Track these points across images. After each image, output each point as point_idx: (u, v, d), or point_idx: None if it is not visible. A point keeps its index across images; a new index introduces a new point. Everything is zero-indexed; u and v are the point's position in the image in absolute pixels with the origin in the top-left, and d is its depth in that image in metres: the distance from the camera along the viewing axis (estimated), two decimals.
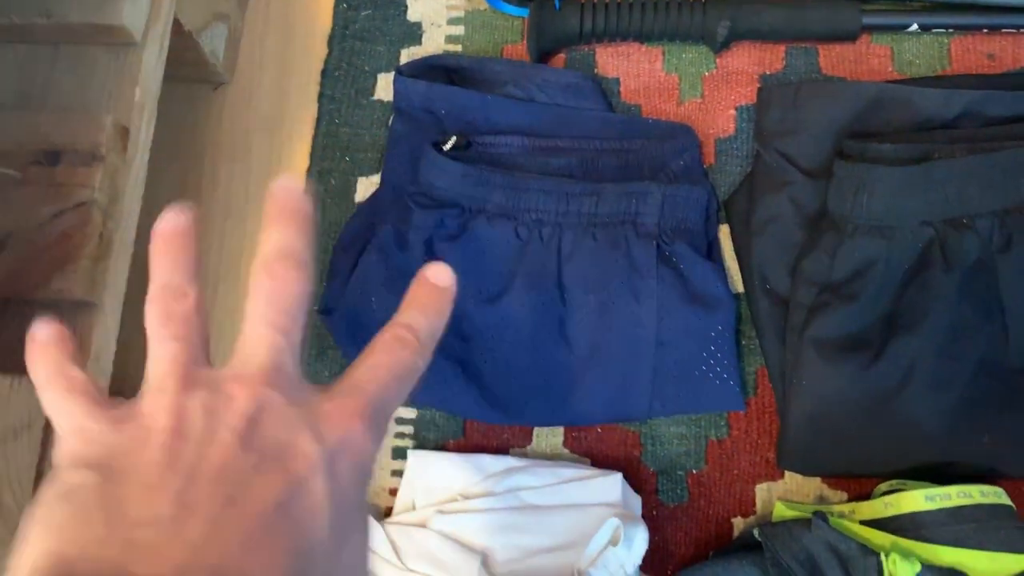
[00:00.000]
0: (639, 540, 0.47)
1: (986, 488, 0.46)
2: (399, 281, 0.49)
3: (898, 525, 0.46)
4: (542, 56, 0.57)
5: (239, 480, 0.22)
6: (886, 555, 0.43)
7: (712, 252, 0.52)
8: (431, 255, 0.51)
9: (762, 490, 0.51)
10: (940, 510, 0.45)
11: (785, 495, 0.51)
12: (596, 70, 0.57)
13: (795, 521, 0.46)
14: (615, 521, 0.47)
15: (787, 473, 0.51)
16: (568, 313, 0.51)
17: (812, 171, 0.51)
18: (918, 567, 0.43)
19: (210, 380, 0.25)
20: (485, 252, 0.51)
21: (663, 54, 0.57)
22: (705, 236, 0.51)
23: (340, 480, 0.24)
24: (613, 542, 0.47)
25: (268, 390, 0.24)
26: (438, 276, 0.30)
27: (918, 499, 0.45)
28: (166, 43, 0.50)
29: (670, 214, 0.50)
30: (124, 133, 0.47)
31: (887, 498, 0.46)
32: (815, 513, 0.45)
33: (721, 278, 0.50)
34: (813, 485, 0.51)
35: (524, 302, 0.51)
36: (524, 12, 0.57)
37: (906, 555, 0.43)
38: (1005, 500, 0.46)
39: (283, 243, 0.27)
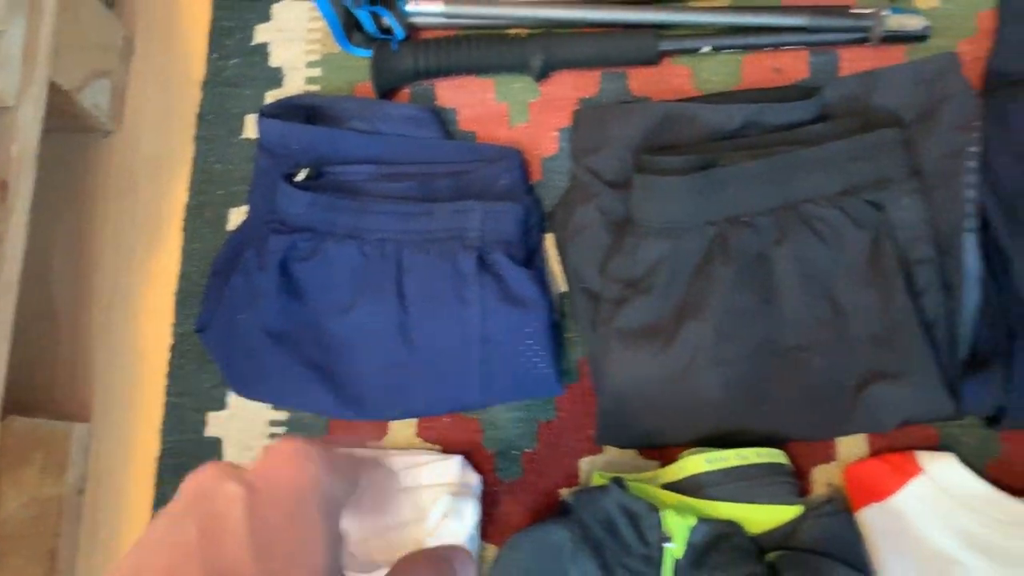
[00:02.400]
0: (469, 513, 0.54)
1: (763, 450, 0.54)
2: (260, 300, 0.57)
3: (686, 486, 0.53)
4: (386, 92, 0.64)
5: (153, 544, 0.24)
6: (664, 512, 0.50)
7: (534, 259, 0.60)
8: (286, 275, 0.58)
9: (585, 464, 0.58)
10: (718, 471, 0.53)
11: (606, 467, 0.58)
12: (436, 102, 0.65)
13: (598, 487, 0.53)
14: (447, 498, 0.54)
15: (606, 447, 0.58)
16: (409, 319, 0.58)
17: (615, 183, 0.59)
18: (692, 521, 0.50)
19: None
20: (335, 270, 0.58)
21: (494, 85, 0.64)
22: (524, 245, 0.58)
23: (265, 499, 0.25)
24: (447, 516, 0.54)
25: (212, 467, 0.27)
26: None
27: (700, 462, 0.53)
28: (43, 103, 0.57)
29: (491, 228, 0.57)
30: (3, 186, 0.54)
31: (678, 463, 0.54)
32: (613, 479, 0.53)
33: (535, 281, 0.57)
34: (629, 456, 0.58)
35: (371, 312, 0.58)
36: (370, 53, 0.64)
37: (680, 511, 0.50)
38: (780, 459, 0.54)
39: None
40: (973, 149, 0.53)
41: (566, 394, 0.59)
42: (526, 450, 0.59)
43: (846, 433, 0.56)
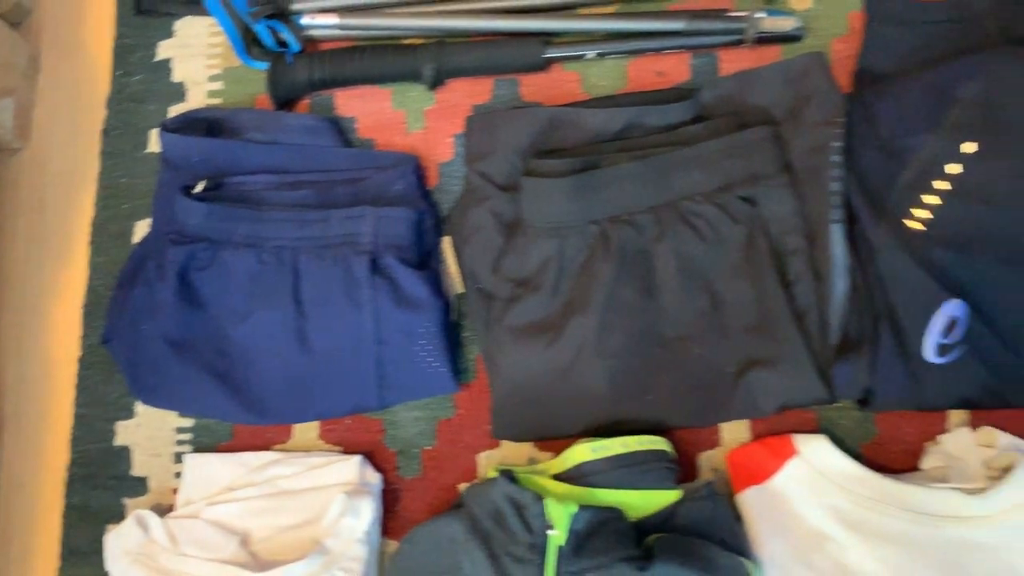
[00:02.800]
0: (365, 511, 0.56)
1: (646, 438, 0.56)
2: (160, 310, 0.59)
3: (573, 475, 0.55)
4: (283, 104, 0.65)
5: None
6: (547, 500, 0.52)
7: (429, 261, 0.61)
8: (186, 285, 0.60)
9: (483, 458, 0.60)
10: (601, 459, 0.55)
11: (503, 460, 0.60)
12: (335, 111, 0.66)
13: (488, 480, 0.55)
14: (343, 496, 0.56)
15: (502, 441, 0.60)
16: (306, 324, 0.59)
17: (506, 186, 0.61)
18: (573, 508, 0.52)
19: None
20: (233, 278, 0.60)
21: (391, 94, 0.66)
22: (418, 248, 0.60)
23: None
24: (344, 514, 0.56)
25: None
26: None
27: (585, 451, 0.55)
28: None
29: (383, 232, 0.59)
30: None
31: (565, 453, 0.56)
32: (501, 471, 0.55)
33: (427, 283, 0.58)
34: (525, 449, 0.60)
35: (269, 318, 0.60)
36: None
37: (563, 499, 0.52)
38: (663, 447, 0.56)
39: None
40: (836, 144, 0.56)
41: (464, 392, 0.61)
42: (426, 448, 0.61)
43: (727, 419, 0.58)
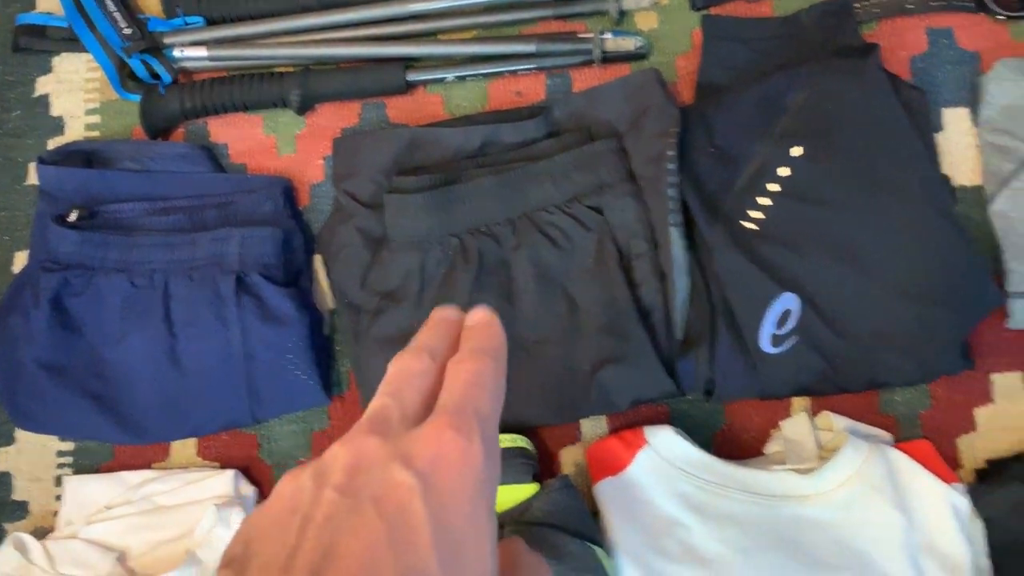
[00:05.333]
0: (235, 521, 0.58)
1: (506, 436, 0.58)
2: (36, 336, 0.60)
3: None
4: (157, 133, 0.68)
5: (337, 527, 0.23)
6: None
7: (299, 279, 0.64)
8: (61, 311, 0.61)
9: None
10: None
11: None
12: (209, 139, 0.69)
13: None
14: (213, 508, 0.57)
15: None
16: (177, 344, 0.61)
17: (371, 204, 0.63)
18: None
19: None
20: (107, 302, 0.62)
21: (263, 120, 0.69)
22: (285, 267, 0.63)
23: (442, 497, 0.24)
24: (216, 526, 0.57)
25: (366, 437, 0.26)
26: (479, 315, 0.33)
27: None
28: None
29: (249, 252, 0.61)
30: None
31: None
32: None
33: (293, 300, 0.61)
34: None
35: (142, 339, 0.61)
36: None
37: None
38: (522, 444, 0.59)
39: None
40: (671, 153, 0.60)
41: (338, 404, 0.63)
42: (301, 460, 0.63)
43: (585, 416, 0.61)
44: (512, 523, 0.55)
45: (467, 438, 0.26)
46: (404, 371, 0.30)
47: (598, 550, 0.54)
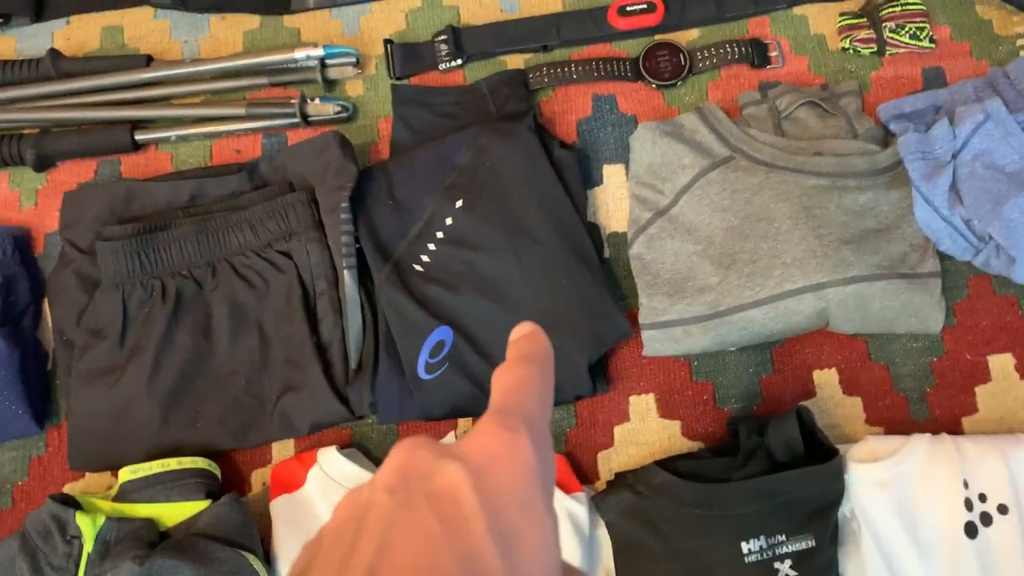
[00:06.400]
0: None
1: (187, 459, 0.65)
2: None
3: (120, 494, 0.64)
4: None
5: (391, 524, 0.24)
6: (76, 515, 0.61)
7: (22, 319, 0.71)
8: None
9: (67, 488, 0.68)
10: (140, 478, 0.64)
11: (86, 489, 0.68)
12: None
13: (50, 502, 0.63)
14: None
15: (88, 472, 0.69)
16: None
17: (89, 251, 0.71)
18: (101, 520, 0.60)
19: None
20: None
21: (9, 176, 0.76)
22: (3, 307, 0.69)
23: (493, 487, 0.25)
24: None
25: (419, 440, 0.27)
26: (523, 328, 0.33)
27: (127, 473, 0.64)
28: None
29: None
30: None
31: (119, 477, 0.65)
32: (53, 496, 0.63)
33: (5, 338, 0.67)
34: (105, 478, 0.69)
35: None
36: None
37: (92, 511, 0.61)
38: (203, 465, 0.65)
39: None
40: (344, 204, 0.68)
41: (55, 432, 0.70)
42: (18, 483, 0.69)
43: (269, 440, 0.68)
44: (177, 533, 0.62)
45: (514, 432, 0.26)
46: None
47: (250, 556, 0.61)
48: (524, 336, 0.32)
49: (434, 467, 0.25)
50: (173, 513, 0.63)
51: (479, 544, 0.23)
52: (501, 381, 0.29)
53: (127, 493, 0.64)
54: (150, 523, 0.62)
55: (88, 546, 0.60)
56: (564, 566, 0.27)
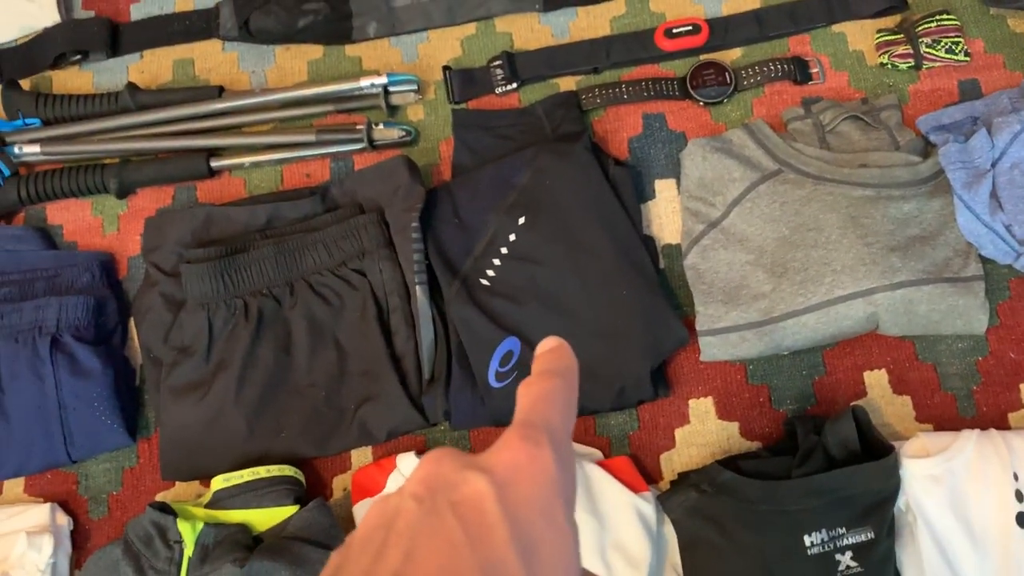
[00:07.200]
0: (46, 546, 0.68)
1: (275, 467, 0.69)
2: None
3: (213, 501, 0.68)
4: (0, 218, 0.79)
5: (417, 532, 0.24)
6: (178, 521, 0.65)
7: (111, 338, 0.75)
8: None
9: (160, 496, 0.73)
10: (232, 486, 0.68)
11: (176, 498, 0.73)
12: (47, 221, 0.81)
13: (150, 510, 0.67)
14: (24, 535, 0.68)
15: (176, 482, 0.73)
16: (5, 397, 0.72)
17: (172, 273, 0.75)
18: (200, 526, 0.65)
19: None
20: None
21: (92, 203, 0.81)
22: (97, 329, 0.74)
23: (516, 498, 0.25)
24: (27, 549, 0.68)
25: (445, 451, 0.27)
26: (549, 343, 0.33)
27: (219, 482, 0.68)
28: None
29: (65, 316, 0.73)
30: None
31: (211, 485, 0.69)
32: (151, 504, 0.67)
33: (101, 356, 0.72)
34: (194, 487, 0.73)
35: None
36: None
37: (188, 518, 0.65)
38: (289, 472, 0.69)
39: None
40: (414, 224, 0.72)
41: (145, 444, 0.74)
42: (112, 493, 0.73)
43: (349, 448, 0.72)
44: (270, 537, 0.66)
45: (536, 444, 0.27)
46: None
47: None
48: (550, 350, 0.32)
49: (460, 477, 0.26)
50: (264, 518, 0.67)
51: (501, 552, 0.24)
52: (526, 395, 0.30)
53: (220, 500, 0.68)
54: (245, 528, 0.66)
55: (189, 550, 0.64)
56: (585, 573, 0.28)
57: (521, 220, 0.73)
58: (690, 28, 0.79)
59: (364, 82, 0.79)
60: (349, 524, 0.69)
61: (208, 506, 0.68)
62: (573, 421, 0.30)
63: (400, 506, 0.25)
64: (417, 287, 0.72)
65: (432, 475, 0.26)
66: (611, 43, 0.81)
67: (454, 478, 0.26)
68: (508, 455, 0.26)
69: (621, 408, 0.71)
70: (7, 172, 0.79)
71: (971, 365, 0.70)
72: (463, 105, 0.81)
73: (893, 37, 0.78)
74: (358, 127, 0.78)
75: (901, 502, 0.64)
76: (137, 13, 0.88)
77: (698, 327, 0.71)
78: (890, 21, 0.80)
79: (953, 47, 0.76)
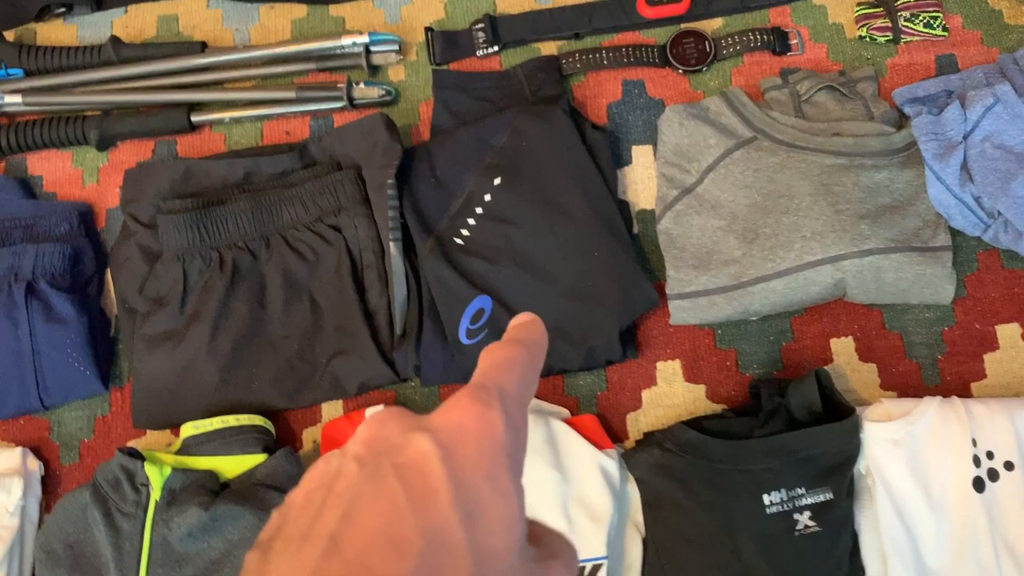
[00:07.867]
0: (15, 489, 0.69)
1: (244, 416, 0.70)
2: None
3: (183, 448, 0.69)
4: None
5: (357, 494, 0.24)
6: (145, 466, 0.65)
7: (87, 287, 0.76)
8: None
9: (131, 444, 0.73)
10: (202, 433, 0.68)
11: (148, 446, 0.73)
12: (27, 171, 0.81)
13: (119, 455, 0.68)
14: None
15: (148, 430, 0.73)
16: None
17: (150, 224, 0.75)
18: (167, 470, 0.65)
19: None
20: None
21: (72, 155, 0.81)
22: (73, 277, 0.74)
23: (461, 459, 0.25)
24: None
25: (391, 412, 0.27)
26: (522, 316, 0.33)
27: (189, 429, 0.69)
28: None
29: (41, 264, 0.73)
30: None
31: (181, 432, 0.70)
32: (121, 449, 0.68)
33: (75, 304, 0.72)
34: (165, 435, 0.73)
35: None
36: None
37: (159, 464, 0.66)
38: (258, 422, 0.70)
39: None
40: (390, 181, 0.72)
41: (117, 393, 0.75)
42: (84, 440, 0.74)
43: (320, 401, 0.73)
44: (238, 484, 0.67)
45: (485, 405, 0.26)
46: None
47: None
48: (522, 324, 0.32)
49: (404, 440, 0.25)
50: (232, 466, 0.68)
51: (443, 515, 0.23)
52: (486, 359, 0.29)
53: (189, 447, 0.68)
54: (212, 474, 0.67)
55: (156, 494, 0.65)
56: (542, 530, 0.28)
57: (497, 181, 0.74)
58: None
59: (346, 40, 0.79)
60: None
61: (178, 453, 0.69)
62: (532, 392, 0.29)
63: (341, 468, 0.25)
64: (391, 243, 0.72)
65: (375, 437, 0.26)
66: (593, 9, 0.81)
67: (398, 441, 0.25)
68: (455, 415, 0.26)
69: (590, 368, 0.71)
70: None
71: (937, 335, 0.71)
72: (444, 67, 0.81)
73: (872, 10, 0.78)
74: (339, 85, 0.79)
75: (861, 465, 0.65)
76: None
77: (668, 291, 0.72)
78: None
79: (931, 22, 0.77)
